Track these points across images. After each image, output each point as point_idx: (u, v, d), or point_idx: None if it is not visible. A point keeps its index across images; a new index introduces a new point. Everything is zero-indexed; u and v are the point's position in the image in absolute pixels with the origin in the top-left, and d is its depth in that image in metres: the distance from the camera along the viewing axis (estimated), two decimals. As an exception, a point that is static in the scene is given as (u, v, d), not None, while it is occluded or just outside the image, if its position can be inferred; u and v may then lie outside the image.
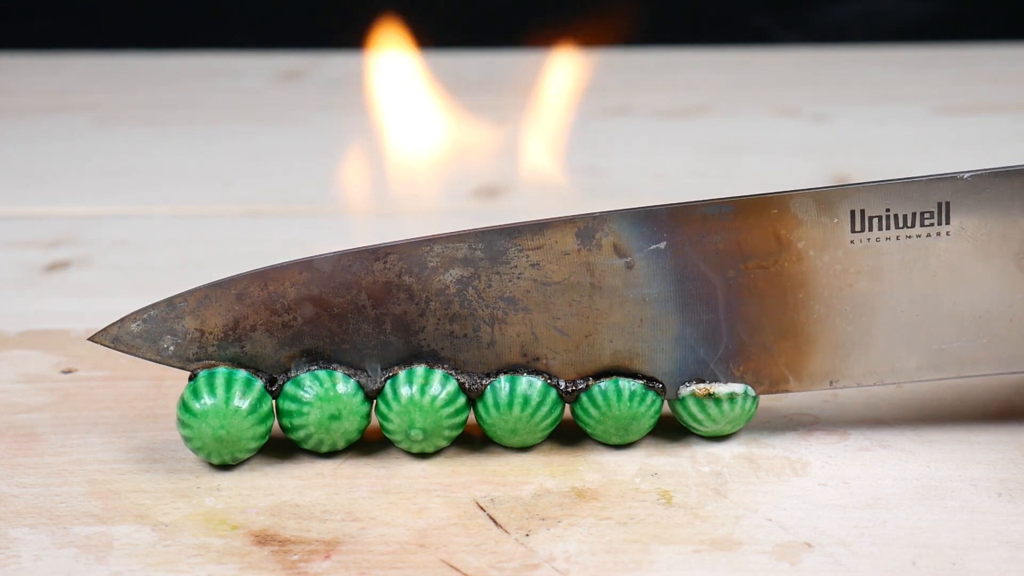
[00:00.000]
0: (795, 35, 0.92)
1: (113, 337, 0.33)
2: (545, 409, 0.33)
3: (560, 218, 0.33)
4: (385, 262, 0.33)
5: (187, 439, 0.33)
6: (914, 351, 0.34)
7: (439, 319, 0.33)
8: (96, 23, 0.93)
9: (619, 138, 0.69)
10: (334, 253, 0.33)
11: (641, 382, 0.33)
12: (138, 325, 0.33)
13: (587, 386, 0.33)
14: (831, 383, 0.34)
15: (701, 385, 0.34)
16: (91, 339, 0.33)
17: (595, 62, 0.85)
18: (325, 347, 0.33)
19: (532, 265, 0.33)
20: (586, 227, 0.33)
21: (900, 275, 0.33)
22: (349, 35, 0.91)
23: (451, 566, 0.29)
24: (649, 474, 0.33)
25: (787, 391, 0.34)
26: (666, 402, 0.34)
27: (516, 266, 0.33)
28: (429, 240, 0.33)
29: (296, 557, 0.30)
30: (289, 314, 0.33)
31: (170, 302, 0.33)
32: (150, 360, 0.33)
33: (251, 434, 0.33)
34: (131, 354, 0.33)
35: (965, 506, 0.31)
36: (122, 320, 0.33)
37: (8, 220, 0.56)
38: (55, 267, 0.50)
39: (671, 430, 0.35)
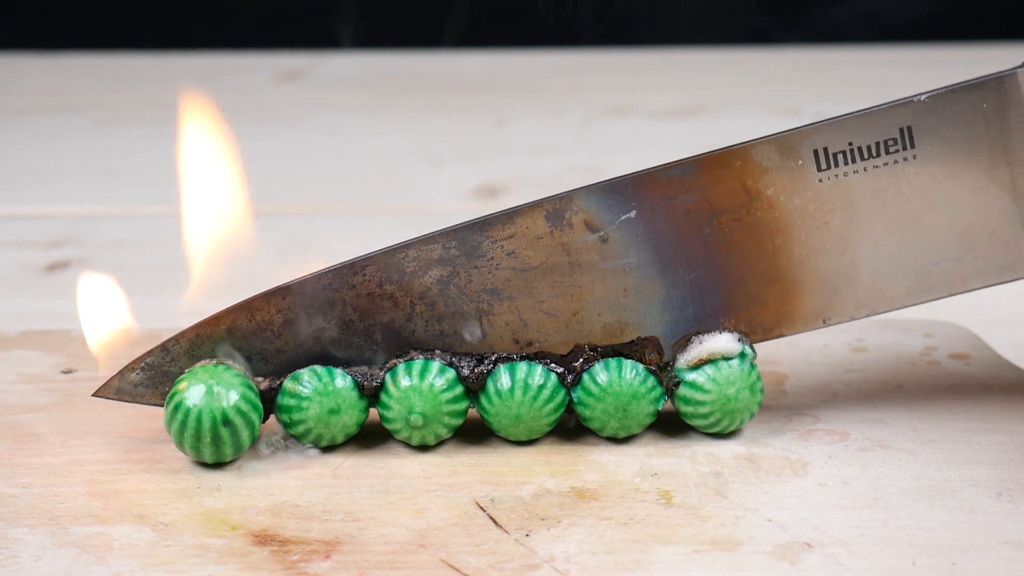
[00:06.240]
0: (795, 35, 0.92)
1: (116, 389, 0.34)
2: (547, 392, 0.33)
3: (528, 204, 0.33)
4: (364, 275, 0.33)
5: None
6: (902, 277, 0.34)
7: (427, 321, 0.34)
8: (96, 23, 0.93)
9: (619, 138, 0.69)
10: (311, 274, 0.33)
11: (642, 365, 0.33)
12: (137, 374, 0.34)
13: (588, 366, 0.33)
14: (824, 321, 0.34)
15: (694, 352, 0.33)
16: (95, 395, 0.34)
17: (595, 62, 0.85)
18: (320, 363, 0.34)
19: (508, 254, 0.33)
20: (555, 209, 0.33)
21: (874, 206, 0.33)
22: (349, 35, 0.91)
23: (451, 566, 0.29)
24: (649, 474, 0.33)
25: (781, 336, 0.34)
26: (666, 396, 0.34)
27: (493, 258, 0.33)
28: (403, 246, 0.33)
29: (296, 557, 0.30)
30: (280, 339, 0.33)
31: (164, 347, 0.33)
32: (159, 406, 0.34)
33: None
34: (137, 403, 0.34)
35: (965, 506, 0.31)
36: (121, 372, 0.34)
37: (8, 220, 0.56)
38: (55, 267, 0.50)
39: (671, 430, 0.35)
